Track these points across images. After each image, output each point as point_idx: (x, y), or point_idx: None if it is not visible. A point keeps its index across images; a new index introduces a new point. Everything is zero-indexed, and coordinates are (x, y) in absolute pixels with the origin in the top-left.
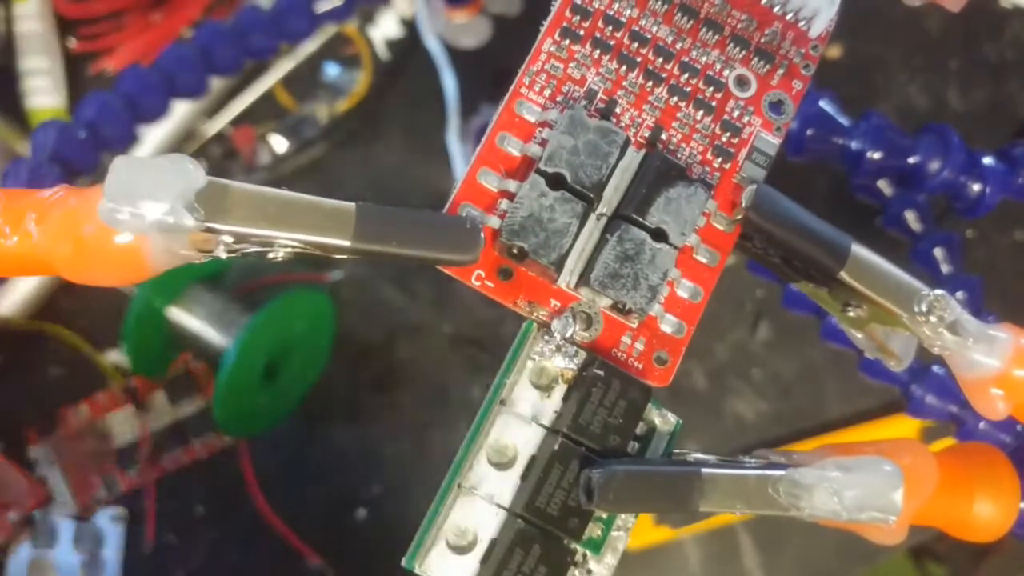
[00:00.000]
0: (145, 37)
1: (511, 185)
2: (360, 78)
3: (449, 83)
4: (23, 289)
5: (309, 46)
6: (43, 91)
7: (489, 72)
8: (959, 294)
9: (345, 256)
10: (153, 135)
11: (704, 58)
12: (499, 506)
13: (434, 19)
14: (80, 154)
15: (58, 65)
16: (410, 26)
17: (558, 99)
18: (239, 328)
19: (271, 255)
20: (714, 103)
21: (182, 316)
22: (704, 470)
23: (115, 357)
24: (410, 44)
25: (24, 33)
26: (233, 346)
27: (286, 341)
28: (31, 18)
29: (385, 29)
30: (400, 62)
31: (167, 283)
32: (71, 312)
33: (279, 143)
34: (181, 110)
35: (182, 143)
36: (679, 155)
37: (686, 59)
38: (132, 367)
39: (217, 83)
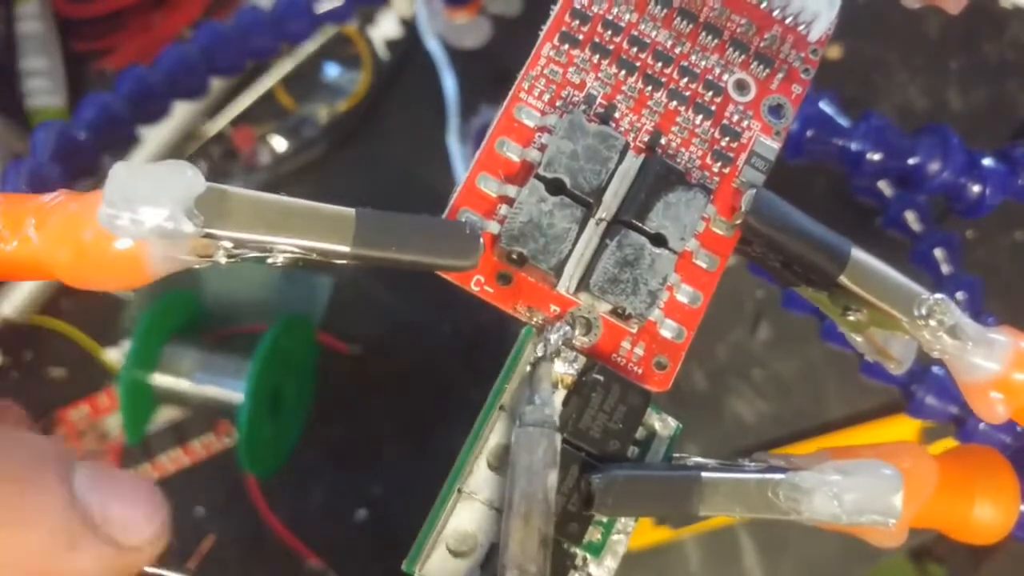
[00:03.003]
0: (145, 37)
1: (510, 190)
2: (360, 78)
3: (449, 84)
4: (24, 290)
5: (309, 46)
6: (43, 91)
7: (489, 73)
8: (959, 295)
9: (345, 261)
10: (153, 136)
11: (703, 62)
12: (499, 511)
13: (434, 19)
14: (80, 155)
15: (58, 65)
16: (410, 26)
17: (557, 104)
18: (231, 374)
19: (270, 260)
20: (713, 107)
21: (169, 380)
22: (704, 474)
23: (115, 355)
24: (410, 44)
25: (24, 33)
26: (244, 397)
27: (282, 367)
28: (31, 18)
29: (385, 29)
30: (400, 62)
31: (143, 352)
32: (71, 312)
33: (279, 143)
34: (181, 110)
35: (182, 143)
36: (678, 160)
37: (685, 63)
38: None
39: (217, 84)
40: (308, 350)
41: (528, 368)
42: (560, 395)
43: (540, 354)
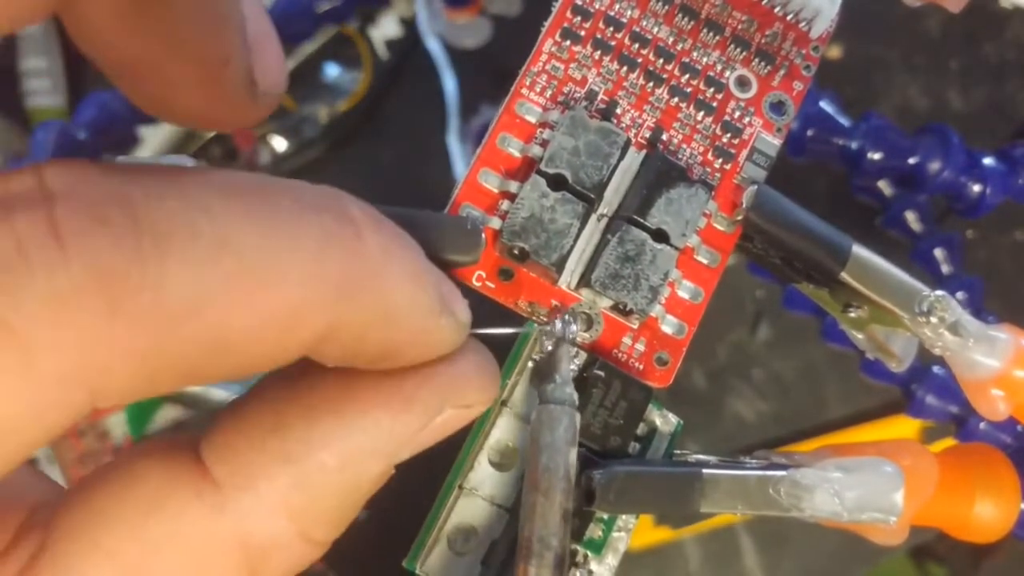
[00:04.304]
0: None
1: (512, 186)
2: (360, 78)
3: (449, 84)
4: None
5: (309, 46)
6: (43, 91)
7: (489, 73)
8: (959, 294)
9: None
10: (153, 136)
11: (705, 59)
12: (500, 507)
13: (434, 19)
14: (80, 155)
15: (58, 65)
16: (410, 26)
17: (559, 100)
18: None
19: None
20: (715, 104)
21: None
22: (705, 471)
23: None
24: (410, 44)
25: (24, 33)
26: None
27: None
28: None
29: (385, 29)
30: (400, 62)
31: None
32: None
33: (279, 143)
34: None
35: (182, 143)
36: (680, 156)
37: (687, 60)
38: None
39: None
40: None
41: (530, 364)
42: None
43: (558, 335)
